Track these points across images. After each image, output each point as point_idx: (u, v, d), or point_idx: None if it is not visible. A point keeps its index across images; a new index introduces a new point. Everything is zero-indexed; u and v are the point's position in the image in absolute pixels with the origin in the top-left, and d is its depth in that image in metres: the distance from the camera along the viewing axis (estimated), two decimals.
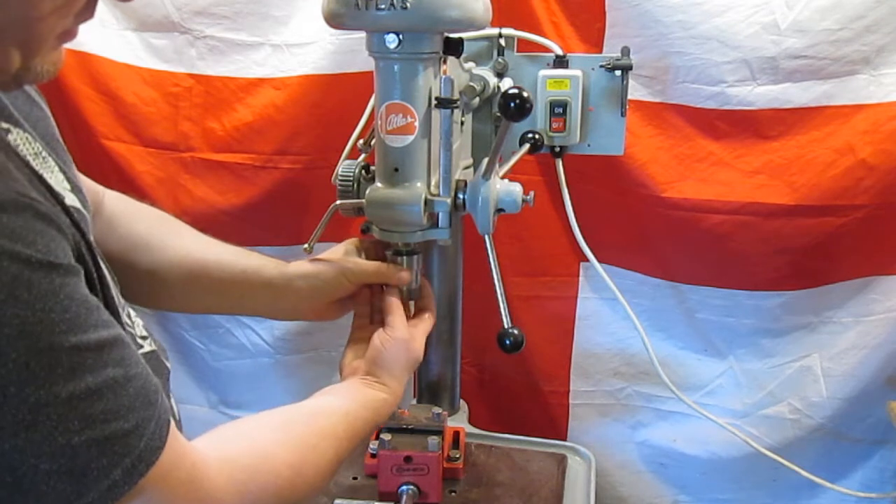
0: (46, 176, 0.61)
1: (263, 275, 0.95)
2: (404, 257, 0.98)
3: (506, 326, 0.90)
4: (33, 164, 0.60)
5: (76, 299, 0.53)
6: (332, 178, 1.00)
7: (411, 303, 1.02)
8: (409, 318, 0.98)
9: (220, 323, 1.57)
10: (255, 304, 0.99)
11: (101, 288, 0.63)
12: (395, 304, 0.95)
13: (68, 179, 0.67)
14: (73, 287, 0.54)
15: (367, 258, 0.99)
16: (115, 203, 0.91)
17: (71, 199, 0.64)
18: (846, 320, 1.42)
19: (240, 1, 1.38)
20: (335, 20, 0.85)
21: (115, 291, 0.69)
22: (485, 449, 1.26)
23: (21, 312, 0.49)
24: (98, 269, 0.63)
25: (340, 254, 0.99)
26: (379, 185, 0.92)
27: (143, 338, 0.74)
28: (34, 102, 0.71)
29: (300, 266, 0.97)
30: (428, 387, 1.30)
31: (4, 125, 0.61)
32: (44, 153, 0.64)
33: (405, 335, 0.93)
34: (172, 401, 0.78)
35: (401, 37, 0.84)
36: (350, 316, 1.64)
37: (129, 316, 0.73)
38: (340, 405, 0.84)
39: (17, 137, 0.61)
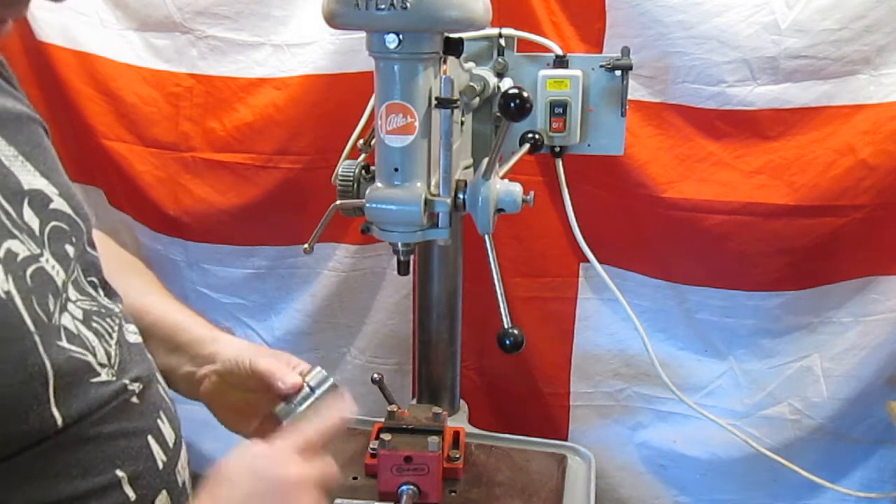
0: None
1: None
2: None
3: (506, 326, 0.90)
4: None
5: None
6: (332, 178, 0.99)
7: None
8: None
9: (220, 323, 1.57)
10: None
11: None
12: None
13: (56, 184, 0.67)
14: None
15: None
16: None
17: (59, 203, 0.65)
18: (846, 320, 1.41)
19: (241, 1, 1.38)
20: (335, 20, 0.85)
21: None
22: (485, 449, 1.26)
23: None
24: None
25: None
26: (379, 185, 0.91)
27: (102, 365, 0.65)
28: (30, 119, 0.71)
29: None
30: (428, 387, 1.30)
31: None
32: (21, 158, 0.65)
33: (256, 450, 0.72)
34: (175, 402, 0.77)
35: (401, 37, 0.84)
36: (351, 316, 1.63)
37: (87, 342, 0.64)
38: None
39: None
